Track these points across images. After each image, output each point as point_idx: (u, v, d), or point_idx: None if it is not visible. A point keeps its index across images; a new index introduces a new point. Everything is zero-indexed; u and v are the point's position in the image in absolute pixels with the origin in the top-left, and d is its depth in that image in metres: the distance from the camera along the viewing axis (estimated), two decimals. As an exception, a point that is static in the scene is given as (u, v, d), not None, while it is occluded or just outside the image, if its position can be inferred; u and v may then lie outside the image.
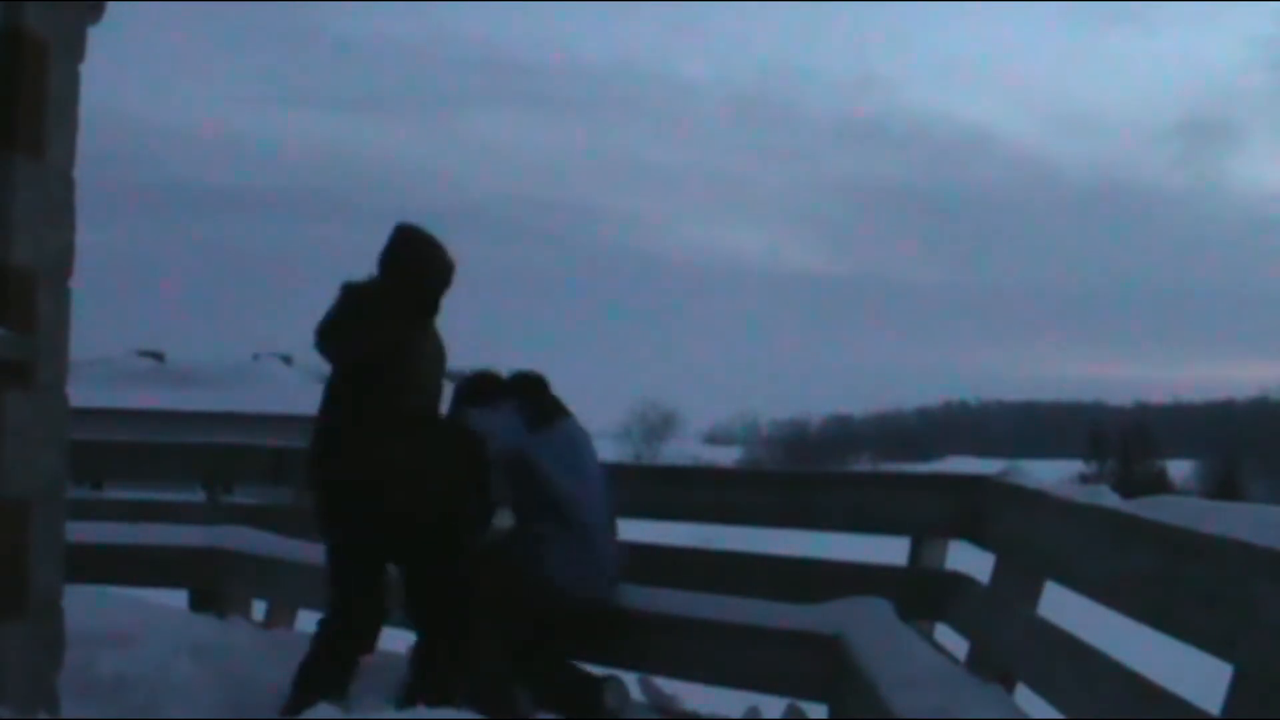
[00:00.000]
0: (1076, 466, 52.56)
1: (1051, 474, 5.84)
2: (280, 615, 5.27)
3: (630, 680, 4.03)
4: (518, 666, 3.81)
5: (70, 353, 3.01)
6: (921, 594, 3.80)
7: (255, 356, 30.34)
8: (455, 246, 3.90)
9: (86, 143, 3.00)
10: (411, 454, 3.67)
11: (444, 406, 4.00)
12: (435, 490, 3.76)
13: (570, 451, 3.98)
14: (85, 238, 3.02)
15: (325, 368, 4.04)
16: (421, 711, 3.38)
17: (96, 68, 3.06)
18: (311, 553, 5.11)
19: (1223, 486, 45.40)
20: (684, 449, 65.03)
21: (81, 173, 3.00)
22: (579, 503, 3.89)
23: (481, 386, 4.08)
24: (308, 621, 5.19)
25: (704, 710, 4.15)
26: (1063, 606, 2.95)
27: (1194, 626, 2.17)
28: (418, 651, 3.91)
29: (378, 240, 3.88)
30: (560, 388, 4.20)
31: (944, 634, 3.71)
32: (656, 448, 61.46)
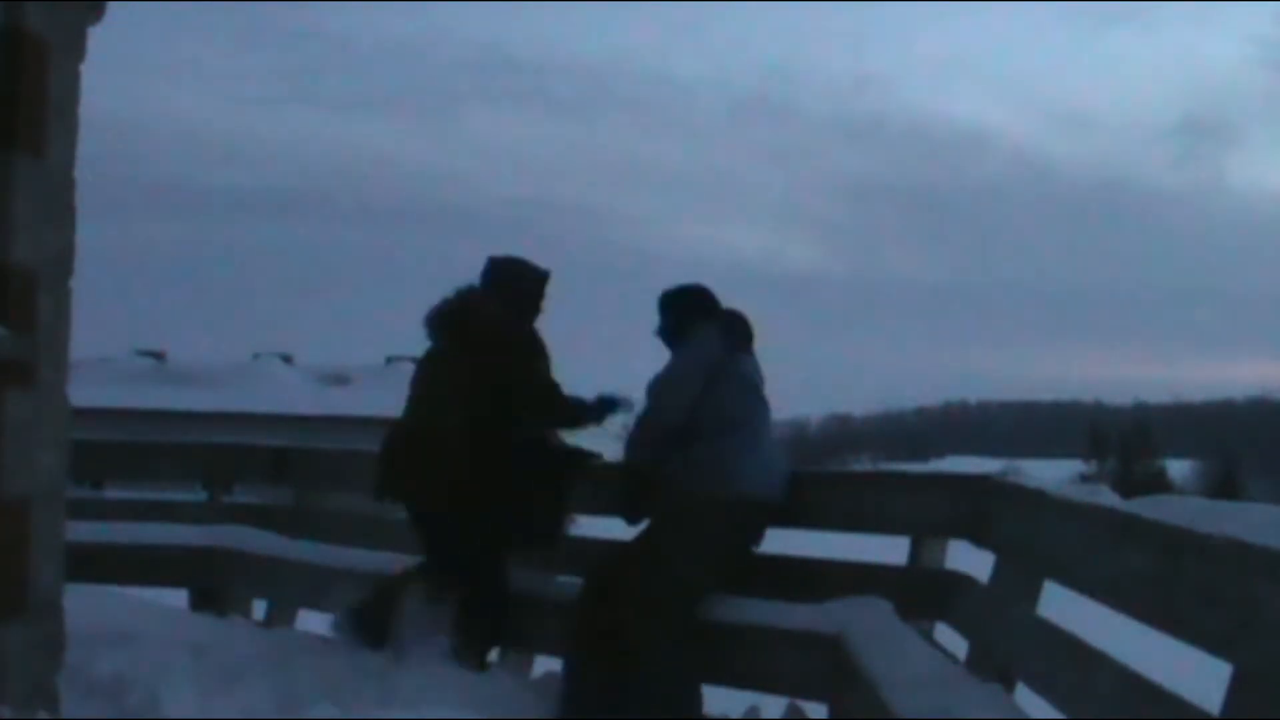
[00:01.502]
0: (1076, 466, 52.66)
1: (1051, 474, 5.83)
2: (280, 615, 5.27)
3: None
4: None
5: (70, 353, 3.01)
6: (921, 594, 3.79)
7: (255, 356, 30.32)
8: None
9: (87, 143, 3.00)
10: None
11: None
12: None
13: (756, 373, 4.32)
14: (86, 238, 3.01)
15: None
16: (422, 711, 3.38)
17: (98, 68, 3.06)
18: (312, 553, 5.12)
19: (1223, 486, 45.47)
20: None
21: (81, 173, 3.00)
22: (762, 416, 4.24)
23: (698, 301, 4.40)
24: (308, 621, 5.20)
25: (707, 710, 4.14)
26: (1063, 606, 2.95)
27: (1194, 626, 2.16)
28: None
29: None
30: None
31: (944, 634, 3.71)
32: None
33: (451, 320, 4.29)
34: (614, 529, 4.45)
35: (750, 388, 4.24)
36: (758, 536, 4.18)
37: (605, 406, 4.43)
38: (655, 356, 4.28)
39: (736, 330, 4.30)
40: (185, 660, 3.76)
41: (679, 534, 3.99)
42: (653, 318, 4.40)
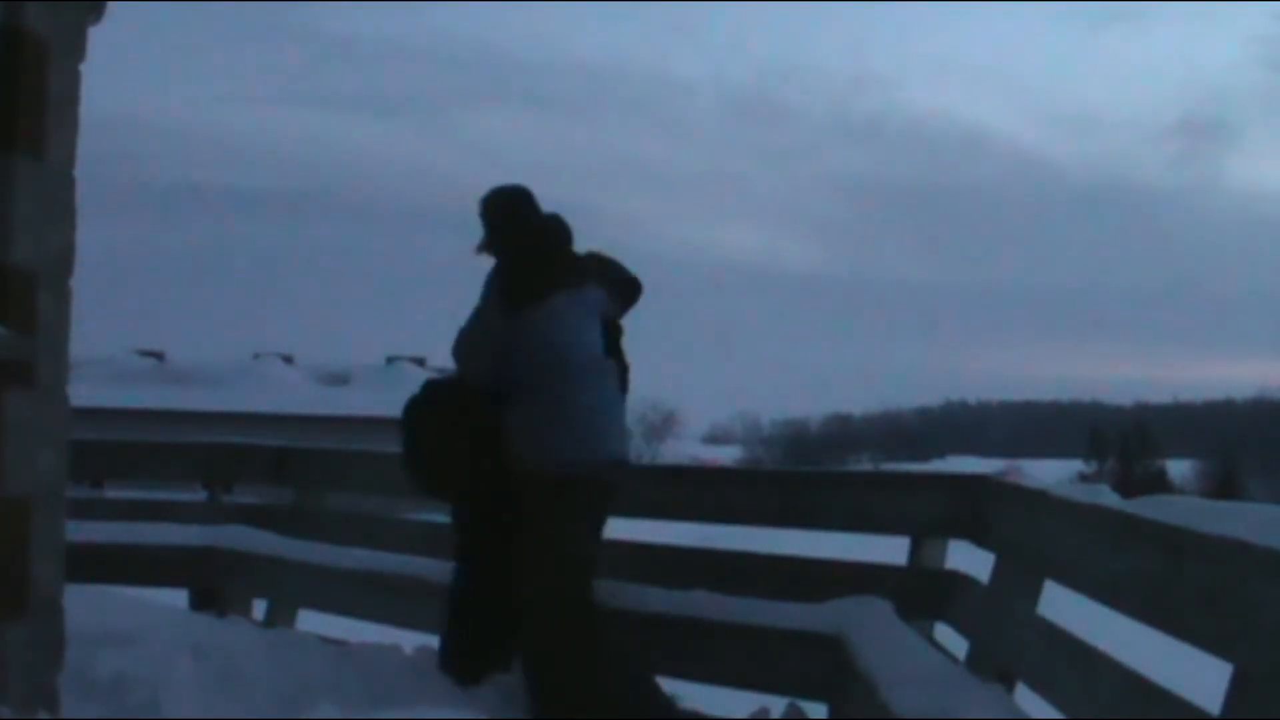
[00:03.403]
0: (1076, 466, 52.69)
1: (1051, 474, 5.84)
2: (280, 615, 5.28)
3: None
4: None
5: (70, 353, 3.01)
6: (921, 594, 3.80)
7: (255, 356, 30.35)
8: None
9: (86, 143, 3.00)
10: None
11: None
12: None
13: (552, 324, 3.72)
14: (85, 238, 3.01)
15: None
16: (422, 711, 3.38)
17: (98, 68, 3.06)
18: (311, 552, 5.13)
19: (1223, 486, 45.43)
20: (684, 449, 65.13)
21: (81, 173, 3.00)
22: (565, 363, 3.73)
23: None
24: (308, 621, 5.21)
25: (706, 710, 4.15)
26: (1063, 607, 2.95)
27: (1194, 626, 2.16)
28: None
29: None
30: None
31: (944, 634, 3.71)
32: (656, 447, 61.42)
33: None
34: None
35: (544, 346, 3.71)
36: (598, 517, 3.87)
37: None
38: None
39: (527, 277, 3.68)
40: (185, 660, 3.76)
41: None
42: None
